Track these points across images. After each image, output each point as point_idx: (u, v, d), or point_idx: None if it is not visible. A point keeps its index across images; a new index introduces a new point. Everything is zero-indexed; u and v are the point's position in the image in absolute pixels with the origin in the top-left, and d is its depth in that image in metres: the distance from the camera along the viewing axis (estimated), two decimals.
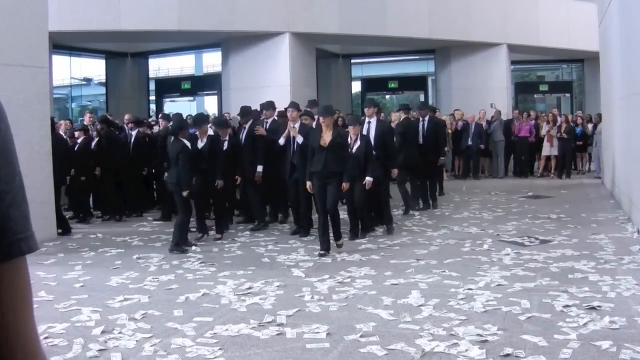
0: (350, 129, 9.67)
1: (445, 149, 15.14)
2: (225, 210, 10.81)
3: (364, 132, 10.06)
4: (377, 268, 7.51)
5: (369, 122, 10.48)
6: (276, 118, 11.15)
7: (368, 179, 9.29)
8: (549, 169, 18.32)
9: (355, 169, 9.14)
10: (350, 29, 18.23)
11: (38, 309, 6.02)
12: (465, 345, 4.77)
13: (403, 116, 12.34)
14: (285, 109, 10.41)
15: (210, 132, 10.52)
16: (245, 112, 11.26)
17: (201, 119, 10.57)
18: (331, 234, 8.71)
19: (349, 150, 9.20)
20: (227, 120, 11.06)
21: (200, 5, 16.53)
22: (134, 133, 12.52)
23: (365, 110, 10.83)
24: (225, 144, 10.29)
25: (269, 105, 11.31)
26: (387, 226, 10.17)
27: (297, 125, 9.94)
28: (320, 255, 8.35)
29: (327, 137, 8.52)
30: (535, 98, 27.45)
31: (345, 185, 8.59)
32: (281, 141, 10.05)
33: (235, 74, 18.35)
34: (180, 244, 8.95)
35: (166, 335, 5.22)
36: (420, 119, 13.04)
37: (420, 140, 12.60)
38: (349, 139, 9.40)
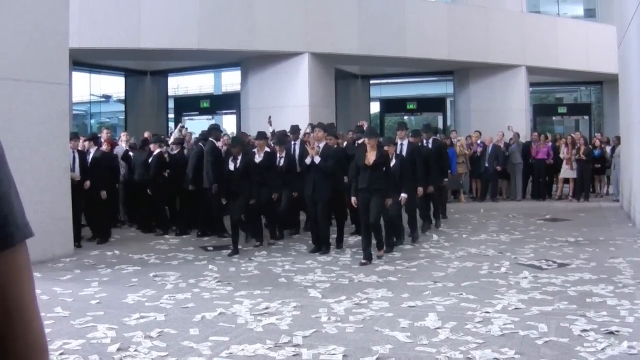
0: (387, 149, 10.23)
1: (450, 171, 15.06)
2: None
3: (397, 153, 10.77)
4: (394, 290, 7.47)
5: (401, 144, 11.34)
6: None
7: (403, 195, 10.21)
8: (568, 190, 18.19)
9: (392, 185, 9.77)
10: (370, 50, 18.31)
11: (54, 325, 6.06)
12: None
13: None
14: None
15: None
16: (294, 130, 12.66)
17: (261, 135, 11.41)
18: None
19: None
20: (287, 136, 12.40)
21: (220, 24, 16.66)
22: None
23: (398, 133, 11.61)
24: (282, 161, 11.48)
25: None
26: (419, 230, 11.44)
27: (321, 145, 10.17)
28: (362, 264, 9.07)
29: (371, 156, 9.29)
30: (554, 120, 27.40)
31: (388, 201, 9.46)
32: (307, 160, 10.19)
33: (254, 94, 18.44)
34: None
35: (182, 354, 5.20)
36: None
37: None
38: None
